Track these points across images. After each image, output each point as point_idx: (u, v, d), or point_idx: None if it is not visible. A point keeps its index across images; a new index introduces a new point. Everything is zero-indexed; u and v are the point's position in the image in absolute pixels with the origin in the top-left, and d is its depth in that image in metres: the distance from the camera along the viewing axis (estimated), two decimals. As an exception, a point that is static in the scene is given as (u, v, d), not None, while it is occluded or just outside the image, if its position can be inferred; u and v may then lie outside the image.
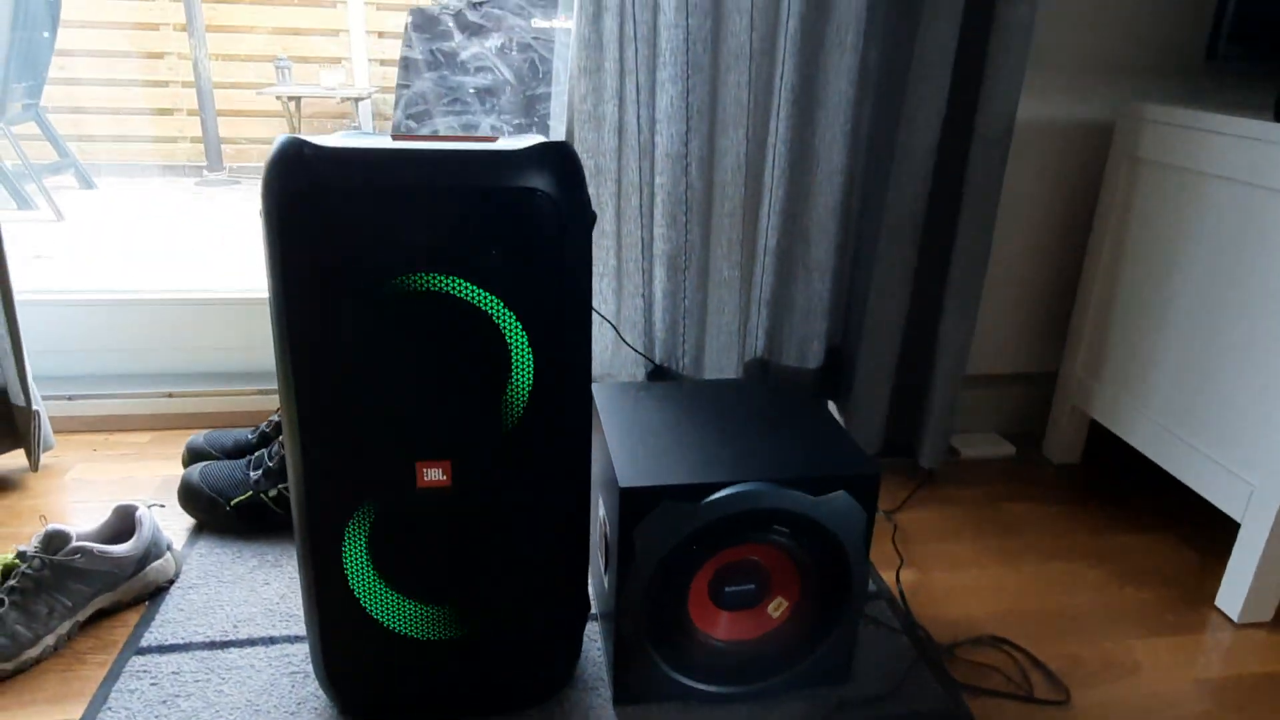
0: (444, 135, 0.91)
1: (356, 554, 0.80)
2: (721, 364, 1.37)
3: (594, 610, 1.03)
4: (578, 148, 1.26)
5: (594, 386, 1.05)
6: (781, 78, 1.28)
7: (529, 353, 0.76)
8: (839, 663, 0.93)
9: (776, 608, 0.90)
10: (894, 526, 1.26)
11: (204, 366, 1.53)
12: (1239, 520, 1.07)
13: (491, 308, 0.74)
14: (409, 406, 0.76)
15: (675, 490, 0.82)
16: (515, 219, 0.72)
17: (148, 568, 1.03)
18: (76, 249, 2.87)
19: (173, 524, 1.19)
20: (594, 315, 1.37)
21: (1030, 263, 1.47)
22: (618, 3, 1.19)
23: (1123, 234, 1.31)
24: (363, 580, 0.81)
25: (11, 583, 0.93)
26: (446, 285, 0.73)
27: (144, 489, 1.28)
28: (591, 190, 1.29)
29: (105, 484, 1.29)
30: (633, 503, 0.81)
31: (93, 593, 0.98)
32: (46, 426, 1.30)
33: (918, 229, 1.29)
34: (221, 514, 1.17)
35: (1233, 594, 1.08)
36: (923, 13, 1.20)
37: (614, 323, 1.38)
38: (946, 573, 1.16)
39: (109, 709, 0.87)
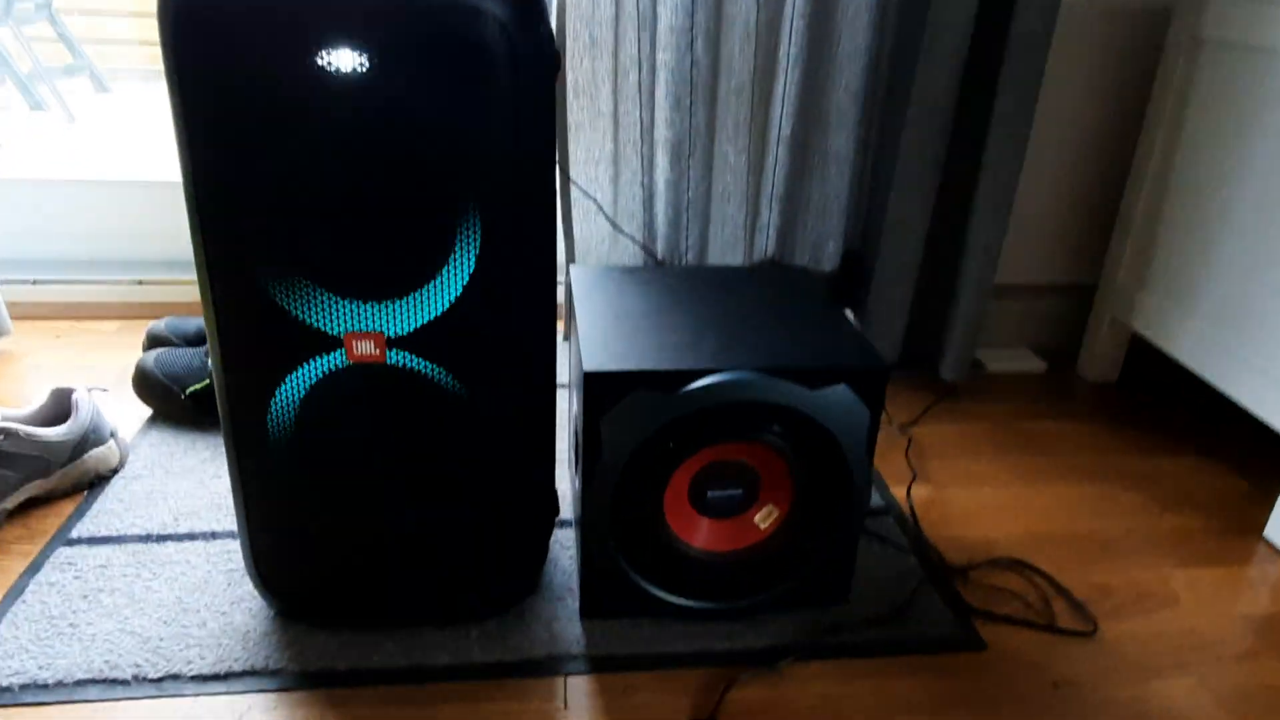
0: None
1: (283, 434, 0.70)
2: (728, 257, 1.25)
3: (570, 517, 0.94)
4: (570, 15, 1.12)
5: (572, 270, 0.93)
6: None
7: (474, 216, 0.64)
8: (835, 580, 0.83)
9: (765, 517, 0.80)
10: (908, 440, 1.14)
11: (178, 254, 1.43)
12: (1302, 441, 0.94)
13: (427, 157, 0.62)
14: (333, 265, 0.64)
15: (649, 377, 0.70)
16: (454, 46, 0.60)
17: (86, 455, 0.95)
18: (80, 148, 2.78)
19: (127, 412, 1.11)
20: (584, 198, 1.24)
21: (1071, 162, 1.31)
22: None
23: (1178, 125, 1.15)
24: (290, 461, 0.71)
25: (-72, 464, 0.86)
26: (374, 129, 0.61)
27: (102, 377, 1.19)
28: (586, 62, 1.15)
29: (62, 370, 1.21)
30: (599, 388, 0.70)
31: (21, 479, 0.90)
32: (0, 311, 1.22)
33: (947, 119, 1.14)
34: (176, 403, 1.08)
35: (1287, 523, 0.96)
36: None
37: (610, 213, 1.25)
38: (963, 489, 1.05)
39: (24, 602, 0.79)
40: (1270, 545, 0.98)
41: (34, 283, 1.35)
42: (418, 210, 0.64)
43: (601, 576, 0.78)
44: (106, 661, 0.74)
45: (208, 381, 1.08)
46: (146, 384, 1.09)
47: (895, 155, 1.19)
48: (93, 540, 0.88)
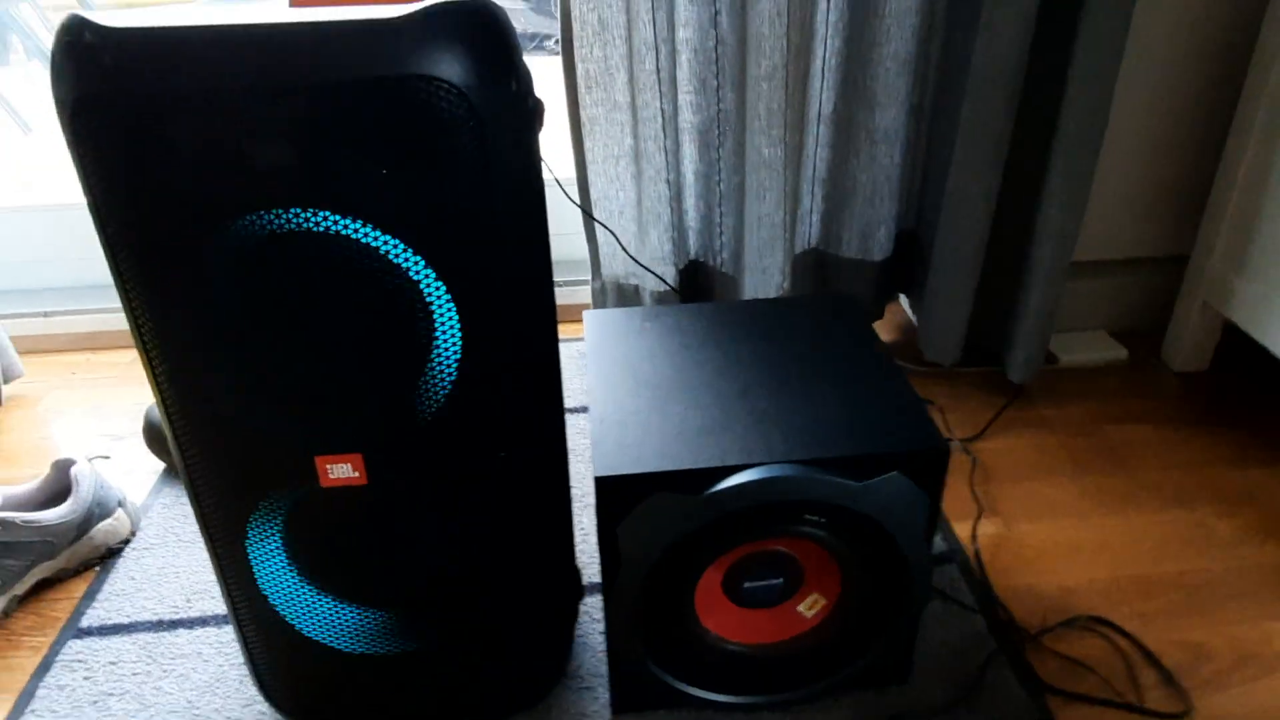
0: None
1: (268, 555, 0.64)
2: (766, 259, 1.13)
3: (590, 580, 0.87)
4: (575, 3, 0.99)
5: (587, 316, 0.84)
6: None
7: (452, 312, 0.55)
8: (894, 661, 0.75)
9: (810, 605, 0.71)
10: (973, 461, 1.03)
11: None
12: None
13: (392, 252, 0.53)
14: (294, 387, 0.56)
15: (669, 478, 0.61)
16: (403, 124, 0.49)
17: (93, 530, 0.91)
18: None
19: (140, 465, 1.06)
20: (604, 197, 1.13)
21: (1159, 124, 1.14)
22: None
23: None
24: (279, 585, 0.65)
25: (-71, 560, 0.82)
26: (322, 223, 0.52)
27: (117, 421, 1.15)
28: (597, 50, 1.02)
29: (79, 415, 1.17)
30: (613, 493, 0.62)
31: (26, 566, 0.86)
32: (8, 356, 1.17)
33: (1014, 88, 0.99)
34: (186, 457, 1.03)
35: None
36: None
37: (635, 214, 1.14)
38: (1036, 524, 0.94)
39: (33, 711, 0.76)
40: (1395, 583, 0.86)
41: (45, 315, 1.30)
42: (383, 313, 0.55)
43: (631, 677, 0.71)
44: (116, 783, 0.70)
45: (217, 431, 1.02)
46: (156, 438, 1.04)
47: (954, 130, 1.04)
48: (103, 630, 0.84)
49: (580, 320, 1.33)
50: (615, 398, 0.70)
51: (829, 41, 1.06)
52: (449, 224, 0.53)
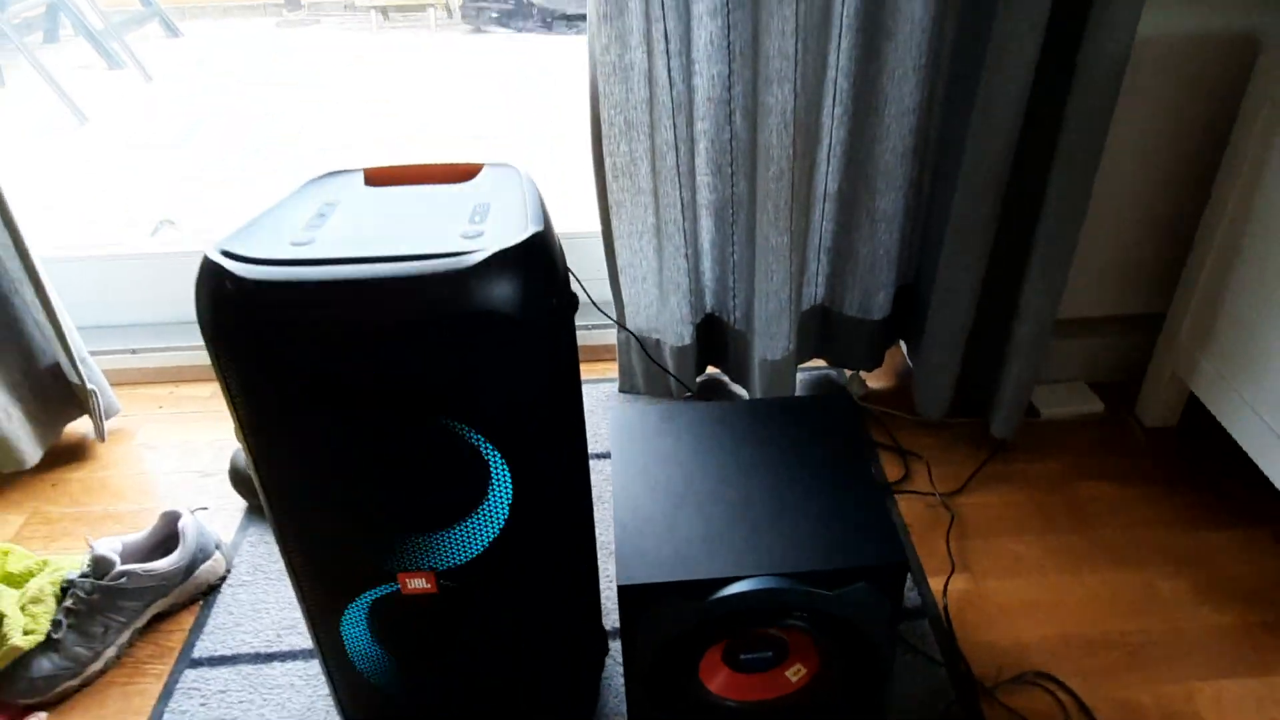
0: (419, 169, 0.80)
1: (357, 633, 0.80)
2: (773, 325, 1.25)
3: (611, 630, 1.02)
4: (603, 104, 1.10)
5: (614, 411, 0.97)
6: (843, 3, 1.05)
7: (505, 469, 0.69)
8: (878, 702, 0.90)
9: (795, 673, 0.86)
10: (951, 517, 1.17)
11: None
12: (1350, 562, 0.94)
13: (460, 431, 0.67)
14: (380, 521, 0.71)
15: (679, 587, 0.76)
16: (470, 347, 0.63)
17: (197, 571, 1.08)
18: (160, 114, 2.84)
19: (228, 502, 1.23)
20: (631, 265, 1.26)
21: (1142, 199, 1.23)
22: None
23: (1252, 192, 1.07)
24: (367, 658, 0.81)
25: (68, 604, 0.99)
26: (401, 399, 0.66)
27: (202, 458, 1.32)
28: (624, 147, 1.14)
29: (171, 450, 1.34)
30: (633, 599, 0.77)
31: (144, 605, 1.04)
32: (108, 396, 1.34)
33: (1001, 185, 1.09)
34: (267, 500, 1.20)
35: (1329, 631, 0.97)
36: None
37: (656, 280, 1.26)
38: (1001, 581, 1.08)
39: (163, 731, 0.94)
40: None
41: (133, 352, 1.46)
42: (449, 463, 0.69)
43: (646, 724, 0.87)
44: (234, 796, 0.88)
45: (293, 477, 1.19)
46: (240, 480, 1.21)
47: (945, 222, 1.15)
48: (211, 661, 1.02)
49: (611, 359, 1.47)
50: (635, 504, 0.84)
51: (834, 132, 1.17)
52: (503, 410, 0.66)
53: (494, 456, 0.68)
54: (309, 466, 0.69)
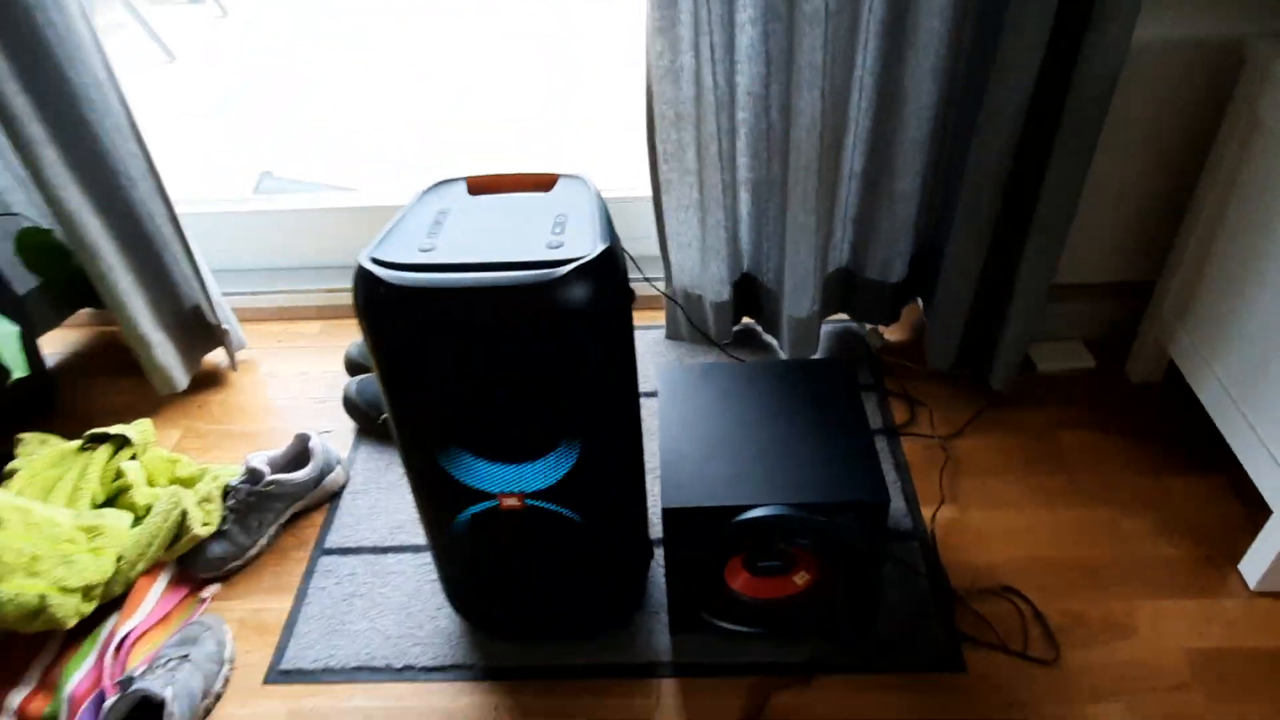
0: (509, 179, 1.00)
1: (462, 537, 1.04)
2: (800, 288, 1.43)
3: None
4: (656, 100, 1.27)
5: (659, 369, 1.19)
6: (870, 11, 1.20)
7: (576, 421, 0.91)
8: (859, 619, 1.13)
9: (800, 579, 1.09)
10: (945, 457, 1.37)
11: (352, 256, 1.75)
12: (1273, 509, 1.12)
13: (544, 392, 0.89)
14: (486, 458, 0.95)
15: (708, 512, 0.99)
16: (554, 335, 0.85)
17: (324, 481, 1.34)
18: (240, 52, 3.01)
19: (342, 427, 1.49)
20: (679, 231, 1.45)
21: (1139, 179, 1.37)
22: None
23: (1228, 193, 1.21)
24: (467, 554, 1.06)
25: (230, 503, 1.26)
26: (506, 371, 0.88)
27: (316, 386, 1.57)
28: (673, 136, 1.32)
29: (289, 378, 1.60)
30: (674, 519, 1.00)
31: (286, 506, 1.30)
32: (237, 332, 1.59)
33: (1003, 174, 1.25)
34: (375, 425, 1.45)
35: (1255, 564, 1.16)
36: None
37: (699, 246, 1.45)
38: (984, 512, 1.29)
39: (308, 603, 1.22)
40: (1241, 578, 1.19)
41: (254, 294, 1.71)
42: (537, 417, 0.92)
43: (682, 613, 1.12)
44: (367, 653, 1.16)
45: (395, 407, 1.43)
46: (351, 408, 1.46)
47: (956, 199, 1.31)
48: (340, 550, 1.29)
49: (660, 308, 1.68)
50: (676, 443, 1.06)
51: (859, 122, 1.32)
52: (576, 379, 0.88)
53: (569, 412, 0.91)
54: (435, 416, 0.92)
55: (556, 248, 0.87)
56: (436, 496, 1.01)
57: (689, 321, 1.57)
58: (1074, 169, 1.20)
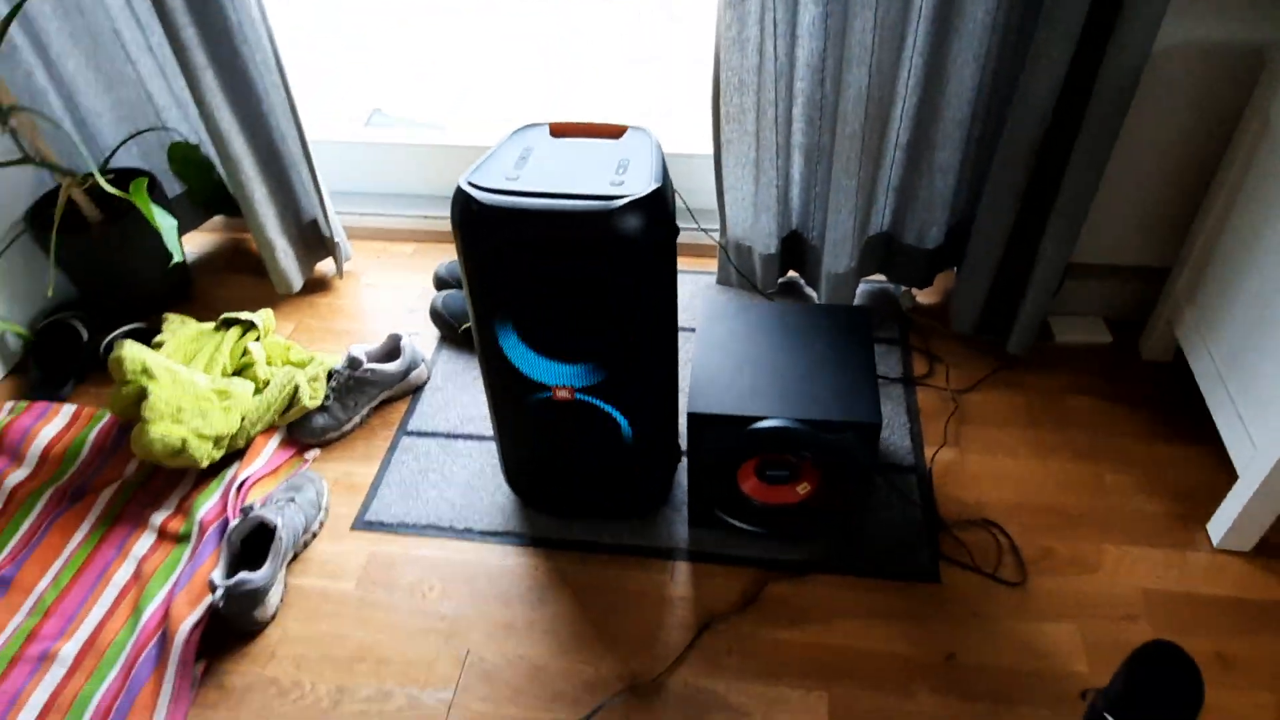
0: (586, 126, 1.19)
1: (524, 424, 1.26)
2: (839, 246, 1.58)
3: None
4: (722, 68, 1.44)
5: (704, 298, 1.37)
6: (920, 3, 1.33)
7: (620, 330, 1.11)
8: (850, 530, 1.30)
9: (802, 489, 1.27)
10: (955, 407, 1.52)
11: (450, 194, 1.97)
12: (1239, 473, 1.24)
13: (597, 303, 1.09)
14: (548, 354, 1.15)
15: (728, 419, 1.17)
16: (608, 257, 1.04)
17: (409, 376, 1.57)
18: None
19: (427, 333, 1.72)
20: (735, 187, 1.62)
21: (1162, 170, 1.47)
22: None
23: (1237, 188, 1.31)
24: (526, 439, 1.28)
25: (332, 384, 1.51)
26: (569, 281, 1.08)
27: (408, 296, 1.81)
28: (735, 99, 1.48)
29: (386, 288, 1.84)
30: (697, 422, 1.18)
31: (379, 391, 1.54)
32: (345, 246, 1.83)
33: (1031, 156, 1.37)
34: (456, 334, 1.68)
35: (1220, 523, 1.29)
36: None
37: (752, 200, 1.62)
38: (982, 456, 1.44)
39: (390, 471, 1.46)
40: (1208, 536, 1.31)
41: (361, 215, 1.95)
42: (589, 323, 1.11)
43: (701, 508, 1.31)
44: (436, 514, 1.39)
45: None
46: (436, 318, 1.69)
47: (987, 175, 1.45)
48: (420, 434, 1.52)
49: (713, 256, 1.85)
50: (707, 362, 1.25)
51: (907, 99, 1.46)
52: (624, 295, 1.07)
53: (615, 321, 1.10)
54: (509, 317, 1.13)
55: (618, 185, 1.06)
56: (504, 385, 1.22)
57: (738, 270, 1.75)
58: (1096, 153, 1.33)
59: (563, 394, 1.19)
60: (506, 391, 1.22)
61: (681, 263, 1.85)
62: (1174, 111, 1.40)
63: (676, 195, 1.43)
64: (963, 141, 1.48)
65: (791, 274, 1.79)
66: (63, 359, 1.66)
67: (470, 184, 1.07)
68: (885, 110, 1.45)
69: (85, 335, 1.67)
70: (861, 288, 1.77)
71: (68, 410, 1.55)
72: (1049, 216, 1.42)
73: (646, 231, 1.04)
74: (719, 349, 1.27)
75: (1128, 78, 1.24)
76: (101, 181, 1.48)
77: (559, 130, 1.21)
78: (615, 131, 1.20)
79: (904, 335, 1.67)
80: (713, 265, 1.84)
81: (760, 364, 1.25)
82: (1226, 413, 1.30)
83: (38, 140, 1.54)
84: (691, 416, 1.18)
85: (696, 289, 1.79)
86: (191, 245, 1.96)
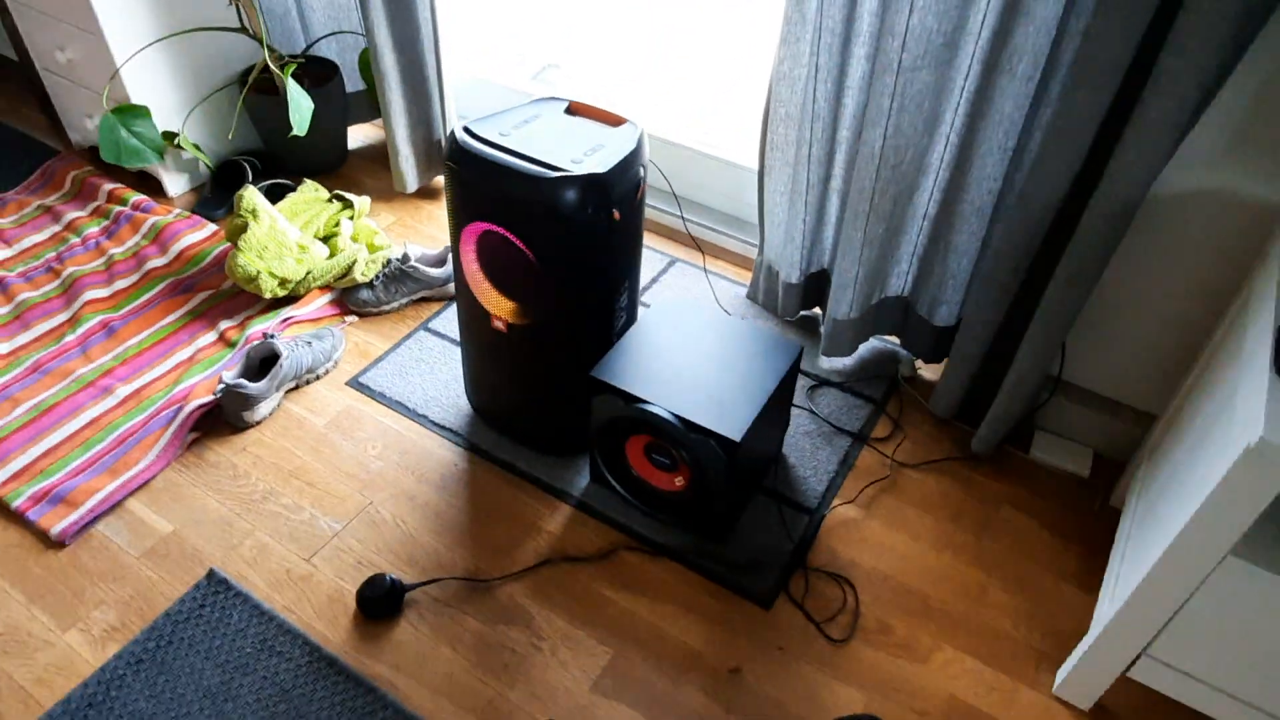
0: (597, 111, 1.38)
1: (474, 344, 1.48)
2: (845, 288, 1.64)
3: (631, 423, 1.61)
4: (773, 100, 1.55)
5: (663, 297, 1.51)
6: (966, 80, 1.37)
7: (546, 278, 1.30)
8: (720, 528, 1.41)
9: (679, 478, 1.40)
10: (887, 475, 1.55)
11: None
12: (1090, 630, 1.21)
13: (535, 253, 1.28)
14: (500, 289, 1.36)
15: (617, 391, 1.33)
16: (546, 218, 1.23)
17: (448, 285, 1.85)
18: None
19: (488, 257, 1.98)
20: (774, 230, 1.72)
21: (1170, 313, 1.40)
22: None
23: (1216, 354, 1.24)
24: (477, 356, 1.50)
25: (385, 270, 1.82)
26: (516, 230, 1.28)
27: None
28: (780, 130, 1.58)
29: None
30: (593, 384, 1.35)
31: (419, 288, 1.83)
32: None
33: (1021, 259, 1.37)
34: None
35: (1065, 669, 1.26)
36: (1081, 66, 1.19)
37: (784, 230, 1.72)
38: (883, 526, 1.48)
39: (398, 352, 1.74)
40: (1052, 680, 1.28)
41: (489, 146, 2.25)
42: (526, 268, 1.31)
43: (598, 470, 1.48)
44: (408, 396, 1.66)
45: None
46: (497, 247, 1.95)
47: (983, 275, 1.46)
48: (435, 333, 1.79)
49: (739, 263, 1.96)
50: (634, 342, 1.40)
51: (940, 173, 1.49)
52: (554, 252, 1.26)
53: (545, 273, 1.29)
54: (472, 246, 1.35)
55: (576, 163, 1.24)
56: (466, 306, 1.45)
57: (771, 283, 1.84)
58: (1082, 274, 1.31)
59: (498, 324, 1.40)
60: (468, 312, 1.45)
61: (722, 268, 1.97)
62: (1191, 259, 1.34)
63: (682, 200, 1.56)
64: (981, 229, 1.49)
65: (816, 310, 1.86)
66: (229, 190, 2.10)
67: (465, 129, 1.29)
68: (911, 178, 1.50)
69: (250, 176, 2.10)
70: (872, 343, 1.81)
71: (210, 228, 1.99)
72: (1028, 325, 1.41)
73: (575, 206, 1.21)
74: (651, 335, 1.42)
75: (1118, 207, 1.23)
76: (272, 66, 1.86)
77: (575, 109, 1.40)
78: (615, 121, 1.37)
79: (885, 397, 1.70)
80: (749, 277, 1.95)
81: (674, 359, 1.38)
82: (1113, 569, 1.26)
83: (255, 18, 1.96)
84: (590, 380, 1.35)
85: (725, 294, 1.91)
86: (359, 135, 2.36)
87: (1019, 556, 1.44)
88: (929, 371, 1.77)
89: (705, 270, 1.96)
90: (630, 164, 1.29)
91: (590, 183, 1.22)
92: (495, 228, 1.30)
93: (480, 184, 1.27)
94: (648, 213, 2.07)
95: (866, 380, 1.73)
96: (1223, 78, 1.12)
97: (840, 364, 1.77)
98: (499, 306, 1.38)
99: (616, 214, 1.27)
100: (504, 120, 1.34)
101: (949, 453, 1.61)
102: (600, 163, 1.25)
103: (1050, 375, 1.58)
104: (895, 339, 1.79)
